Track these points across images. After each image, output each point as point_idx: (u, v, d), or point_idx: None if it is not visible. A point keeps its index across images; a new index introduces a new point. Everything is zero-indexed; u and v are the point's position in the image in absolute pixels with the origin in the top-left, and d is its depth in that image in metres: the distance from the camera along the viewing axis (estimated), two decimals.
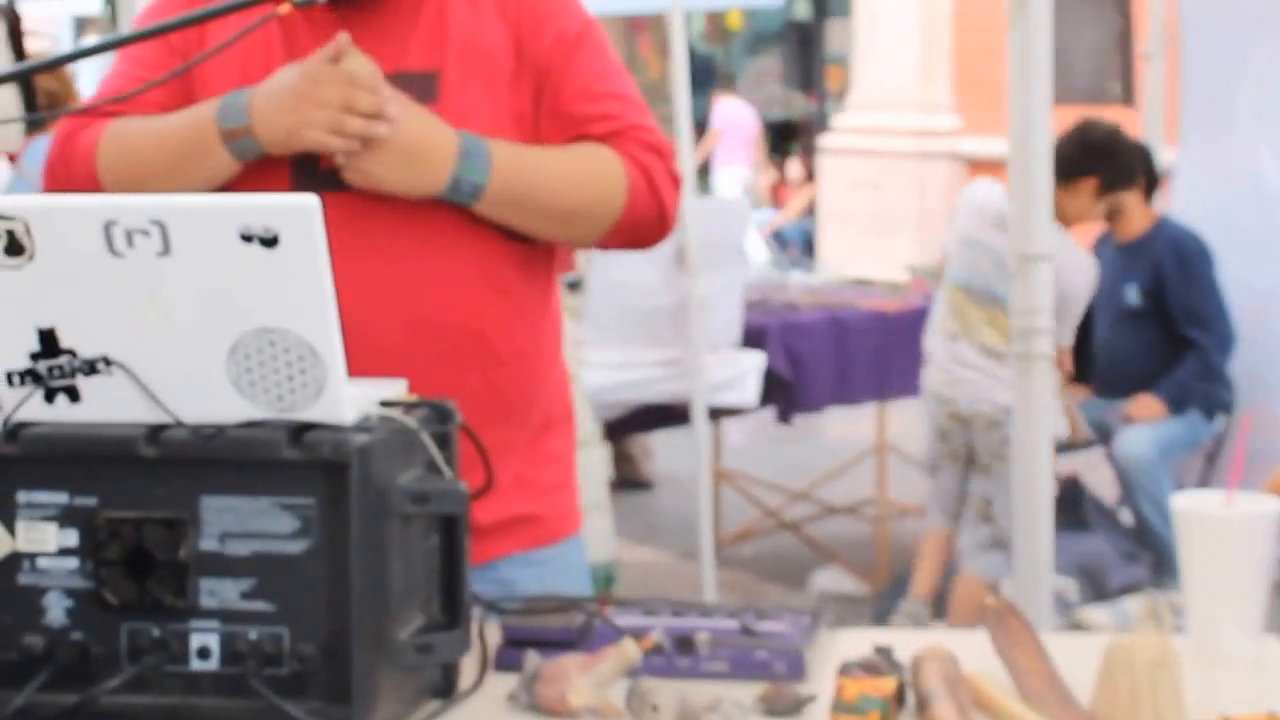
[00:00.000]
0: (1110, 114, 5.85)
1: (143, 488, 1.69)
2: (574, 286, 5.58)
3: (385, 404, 1.81)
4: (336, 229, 1.76)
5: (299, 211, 1.67)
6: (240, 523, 1.68)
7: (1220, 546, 1.93)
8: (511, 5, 2.21)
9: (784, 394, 6.00)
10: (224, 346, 1.72)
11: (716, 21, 16.28)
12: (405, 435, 1.77)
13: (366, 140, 2.07)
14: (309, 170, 2.14)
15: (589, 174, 2.20)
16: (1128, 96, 5.73)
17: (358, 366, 1.83)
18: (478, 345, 2.18)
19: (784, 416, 6.02)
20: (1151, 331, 5.47)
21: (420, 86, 2.15)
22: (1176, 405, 5.37)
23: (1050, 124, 3.07)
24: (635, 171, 2.21)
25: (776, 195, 14.40)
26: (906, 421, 7.44)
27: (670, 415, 5.96)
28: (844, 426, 7.95)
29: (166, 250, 1.68)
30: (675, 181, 2.25)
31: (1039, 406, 3.15)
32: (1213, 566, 1.92)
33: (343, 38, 2.09)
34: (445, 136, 2.11)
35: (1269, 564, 1.94)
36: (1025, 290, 3.10)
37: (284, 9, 2.05)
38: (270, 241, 1.67)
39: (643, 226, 2.25)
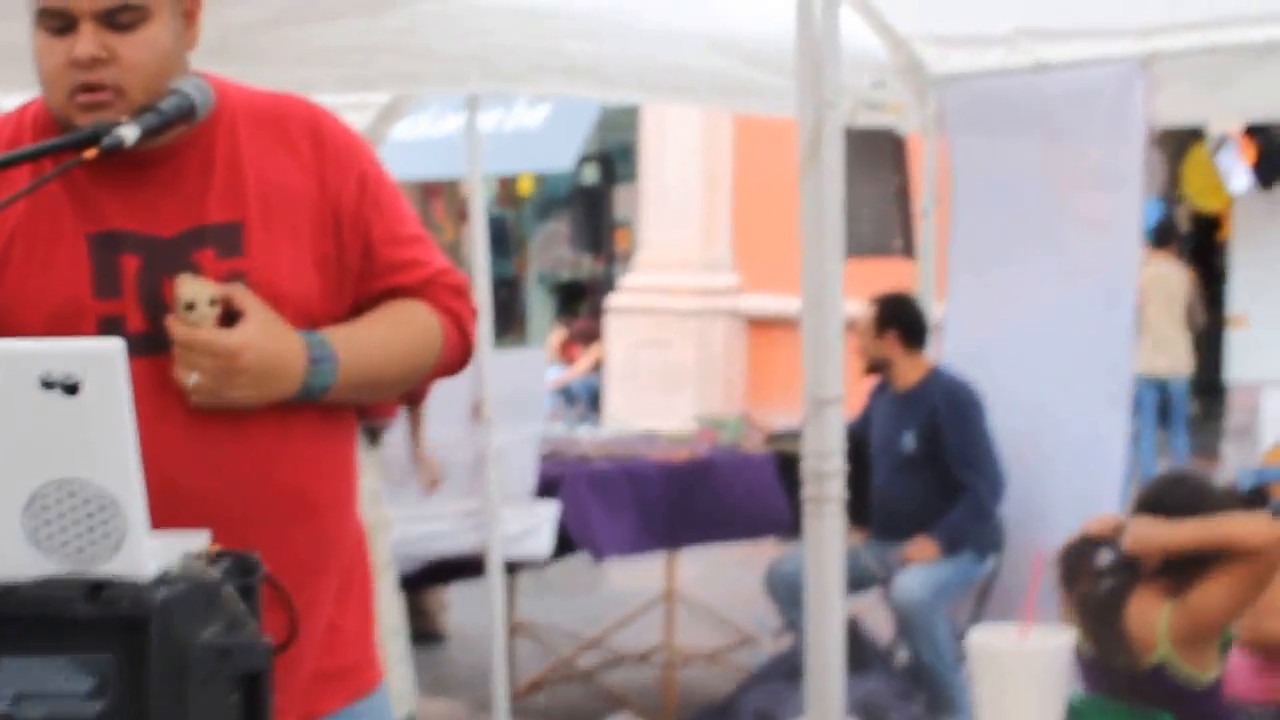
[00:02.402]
0: (893, 267, 5.99)
1: None
2: (374, 439, 5.47)
3: (188, 556, 1.72)
4: (147, 391, 1.68)
5: (102, 357, 1.59)
6: (35, 683, 1.57)
7: (1014, 680, 1.91)
8: (307, 149, 2.17)
9: (580, 539, 5.93)
10: (21, 498, 1.62)
11: (508, 186, 16.38)
12: (207, 589, 1.68)
13: (218, 374, 2.03)
14: (114, 333, 2.05)
15: (413, 340, 2.21)
16: (909, 250, 5.85)
17: (168, 527, 1.75)
18: (292, 498, 2.12)
19: (597, 556, 5.95)
20: (927, 476, 5.55)
21: (225, 239, 2.09)
22: (950, 547, 5.43)
23: (841, 274, 3.09)
24: (446, 320, 2.25)
25: (565, 353, 14.42)
26: (694, 569, 7.42)
27: (466, 568, 5.85)
28: (634, 575, 7.88)
29: None
30: (475, 314, 2.31)
31: (831, 549, 3.14)
32: (1006, 700, 1.90)
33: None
34: (295, 351, 2.08)
35: (1061, 696, 1.93)
36: (818, 433, 3.10)
37: (90, 154, 1.97)
38: (72, 388, 1.59)
39: (453, 366, 2.31)
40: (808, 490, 3.16)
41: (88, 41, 2.03)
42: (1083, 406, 5.32)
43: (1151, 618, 3.24)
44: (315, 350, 2.10)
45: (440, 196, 16.52)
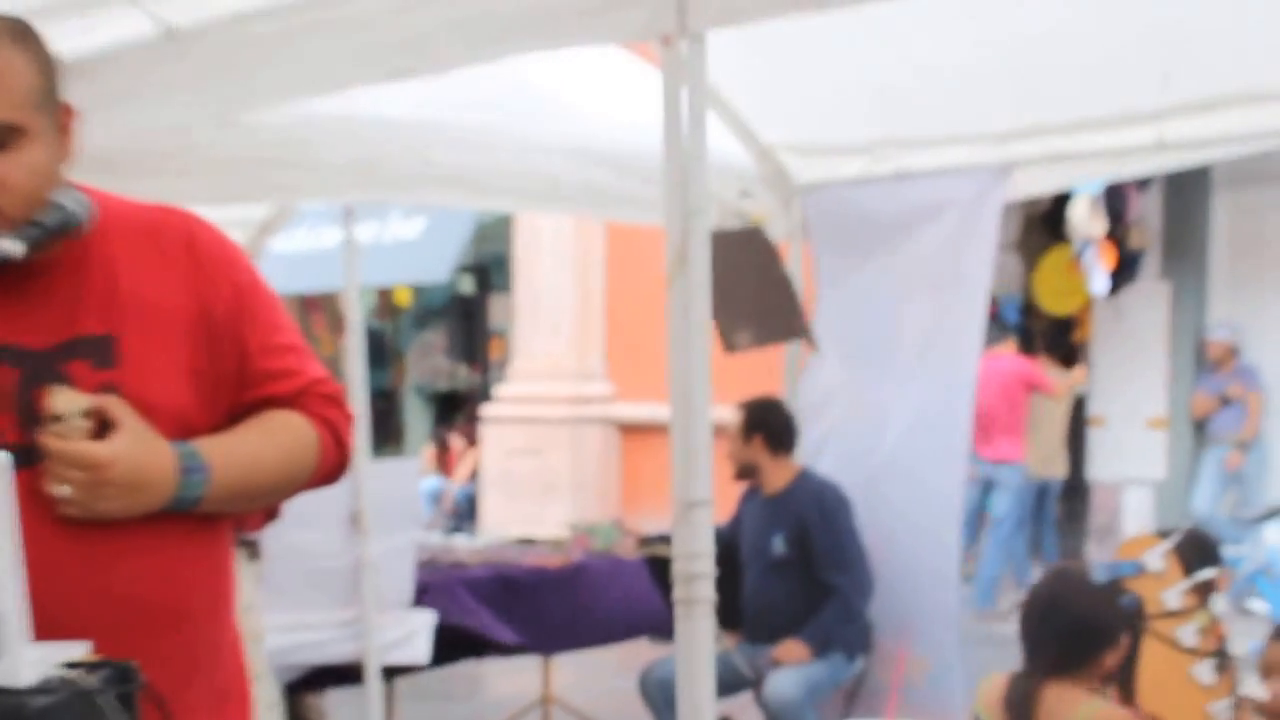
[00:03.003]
0: (763, 372, 6.02)
1: None
2: (252, 551, 5.43)
3: (67, 665, 1.72)
4: (23, 502, 1.68)
5: None
6: None
7: None
8: (183, 260, 2.17)
9: (455, 650, 5.90)
10: None
11: (387, 297, 16.36)
12: (86, 697, 1.68)
13: (88, 485, 2.02)
14: None
15: (288, 449, 2.21)
16: (807, 332, 5.89)
17: (43, 638, 1.74)
18: (168, 609, 2.11)
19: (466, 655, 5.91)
20: (797, 579, 5.57)
21: (98, 351, 2.09)
22: (820, 648, 5.46)
23: (708, 378, 3.13)
24: (322, 429, 2.25)
25: (440, 463, 14.37)
26: (570, 674, 7.39)
27: (345, 675, 5.79)
28: (511, 680, 7.84)
29: None
30: (351, 422, 2.31)
31: (700, 650, 3.16)
32: None
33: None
34: (165, 462, 2.08)
35: None
36: (688, 536, 3.13)
37: None
38: None
39: (329, 475, 2.31)
40: (678, 592, 3.18)
41: None
42: (922, 501, 5.41)
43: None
44: (186, 461, 2.10)
45: (320, 310, 16.45)
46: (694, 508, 3.11)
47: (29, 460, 2.02)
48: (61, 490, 2.02)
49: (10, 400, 2.05)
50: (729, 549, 5.34)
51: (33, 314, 2.08)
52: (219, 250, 2.22)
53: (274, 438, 2.21)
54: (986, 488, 10.27)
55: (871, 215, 5.65)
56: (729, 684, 5.28)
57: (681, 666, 3.17)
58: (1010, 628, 3.81)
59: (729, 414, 5.72)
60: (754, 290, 5.49)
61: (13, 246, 2.00)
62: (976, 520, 10.27)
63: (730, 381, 5.42)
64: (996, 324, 10.87)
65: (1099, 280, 10.39)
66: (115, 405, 2.06)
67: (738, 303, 5.19)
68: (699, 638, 3.14)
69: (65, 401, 2.05)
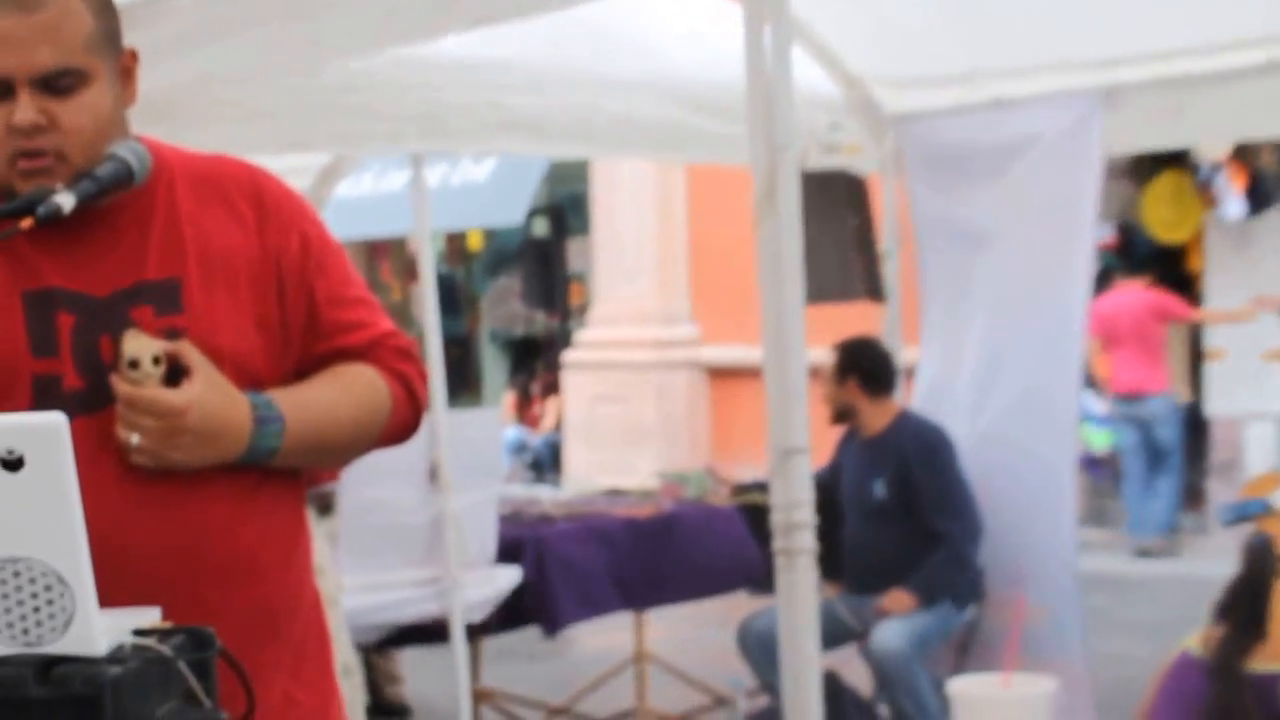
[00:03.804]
0: (861, 311, 6.02)
1: None
2: (326, 509, 5.46)
3: (139, 633, 1.72)
4: (84, 452, 1.68)
5: (45, 431, 1.59)
6: None
7: None
8: (248, 210, 2.19)
9: (542, 607, 5.92)
10: None
11: (457, 243, 16.40)
12: (161, 665, 1.68)
13: (161, 434, 2.03)
14: (51, 391, 2.06)
15: (361, 403, 2.22)
16: (874, 293, 5.87)
17: (112, 593, 1.74)
18: (240, 563, 2.11)
19: (548, 630, 5.93)
20: (900, 524, 5.55)
21: (162, 296, 2.11)
22: (928, 597, 5.43)
23: (802, 320, 3.11)
24: (395, 384, 2.26)
25: (520, 412, 14.42)
26: (664, 629, 7.40)
27: (427, 635, 5.83)
28: (602, 637, 7.86)
29: None
30: (425, 377, 2.32)
31: (803, 602, 3.15)
32: None
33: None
34: (240, 411, 2.09)
35: None
36: (786, 484, 3.11)
37: (26, 223, 1.98)
38: (14, 464, 1.59)
39: (404, 431, 2.31)
40: (777, 543, 3.17)
41: (26, 108, 2.04)
42: (1035, 442, 5.37)
43: None
44: (262, 411, 2.11)
45: (387, 256, 16.52)
46: (791, 455, 3.10)
47: (92, 406, 2.05)
48: (132, 438, 2.03)
49: (72, 346, 2.07)
50: (828, 495, 5.31)
51: (92, 262, 2.10)
52: (285, 200, 2.23)
53: (348, 391, 2.21)
54: (1136, 426, 10.19)
55: (968, 146, 5.62)
56: (832, 636, 5.27)
57: (784, 620, 3.17)
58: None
59: (824, 355, 5.69)
60: (822, 241, 5.47)
61: (64, 200, 2.01)
62: (1119, 461, 10.26)
63: (825, 321, 5.39)
64: (1126, 256, 10.76)
65: (1233, 205, 10.21)
66: (189, 351, 2.07)
67: (809, 252, 5.16)
68: (801, 590, 3.13)
69: (137, 346, 2.05)
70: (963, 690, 3.19)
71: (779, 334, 3.11)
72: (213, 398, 2.06)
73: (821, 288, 5.33)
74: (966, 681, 2.45)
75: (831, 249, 5.64)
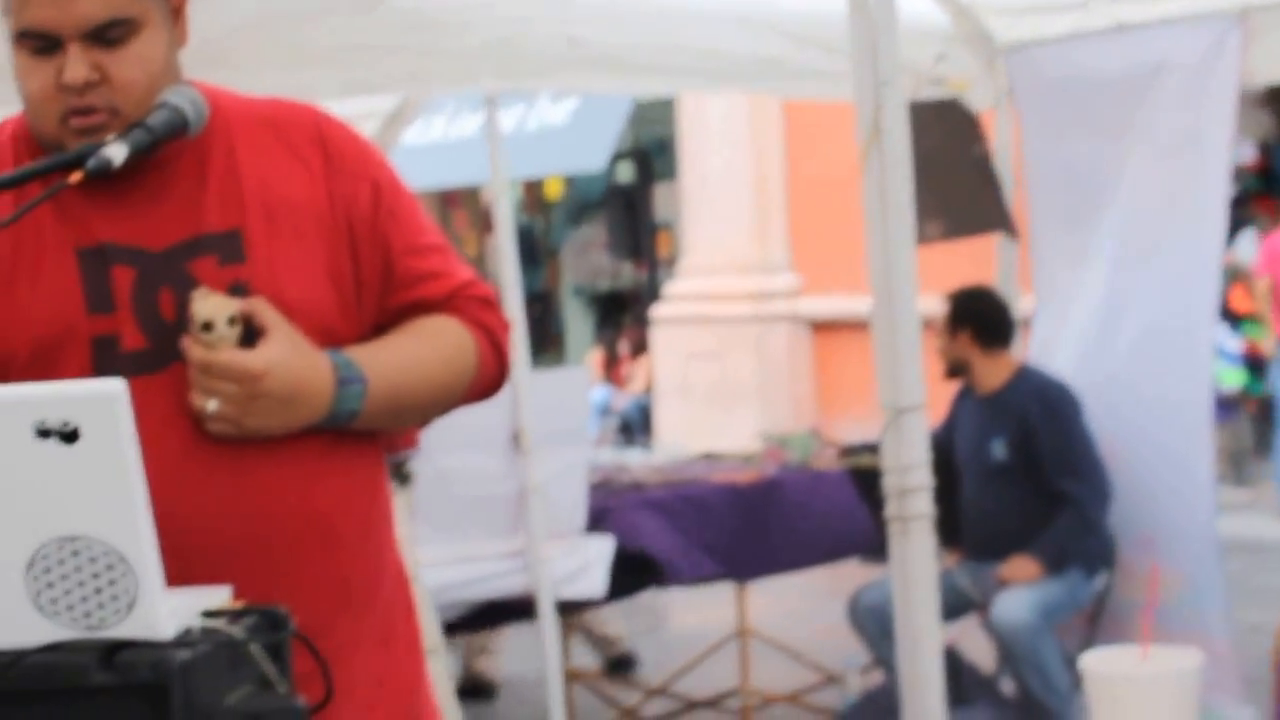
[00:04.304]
0: (973, 258, 5.96)
1: None
2: (403, 476, 5.48)
3: (208, 614, 1.73)
4: (146, 416, 1.69)
5: (102, 400, 1.59)
6: None
7: (1137, 708, 1.89)
8: (313, 156, 2.19)
9: (636, 580, 5.93)
10: (20, 560, 1.63)
11: (535, 190, 16.43)
12: (232, 648, 1.69)
13: (240, 399, 2.04)
14: (110, 351, 2.06)
15: (446, 358, 2.22)
16: (1006, 223, 5.78)
17: (179, 567, 1.75)
18: (315, 530, 2.12)
19: (664, 581, 5.93)
20: (1022, 487, 5.51)
21: (224, 247, 2.11)
22: (1054, 564, 5.39)
23: (913, 268, 3.08)
24: (479, 335, 2.26)
25: (608, 371, 14.44)
26: (768, 602, 7.40)
27: (513, 611, 5.85)
28: (700, 612, 7.88)
29: None
30: (508, 327, 2.33)
31: (920, 572, 3.13)
32: None
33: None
34: (322, 374, 2.10)
35: None
36: (899, 445, 3.09)
37: (75, 178, 1.99)
38: (70, 436, 1.60)
39: (490, 386, 2.31)
40: (891, 509, 3.15)
41: (77, 64, 2.04)
42: (1167, 395, 5.32)
43: None
44: (343, 371, 2.11)
45: (461, 206, 16.58)
46: (904, 414, 3.09)
47: (154, 365, 2.06)
48: (209, 405, 2.04)
49: (131, 303, 2.08)
50: (944, 455, 5.28)
51: (150, 213, 2.11)
52: (352, 145, 2.23)
53: (430, 345, 2.22)
54: None
55: (1088, 76, 5.55)
56: (951, 607, 5.22)
57: (899, 591, 3.15)
58: None
59: (936, 305, 5.65)
60: (948, 172, 5.41)
61: (115, 152, 2.02)
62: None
63: (937, 269, 5.35)
64: (1268, 178, 10.58)
65: None
66: (264, 309, 2.08)
67: (929, 186, 5.10)
68: (918, 559, 3.12)
69: (210, 306, 2.06)
70: (1097, 665, 3.14)
71: (887, 283, 3.08)
72: (292, 359, 2.07)
73: (957, 223, 5.28)
74: (1100, 655, 2.42)
75: (961, 179, 5.57)
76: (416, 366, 2.20)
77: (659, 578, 5.95)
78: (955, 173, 5.56)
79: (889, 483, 3.16)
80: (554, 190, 16.30)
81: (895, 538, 3.15)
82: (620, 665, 7.13)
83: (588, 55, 4.99)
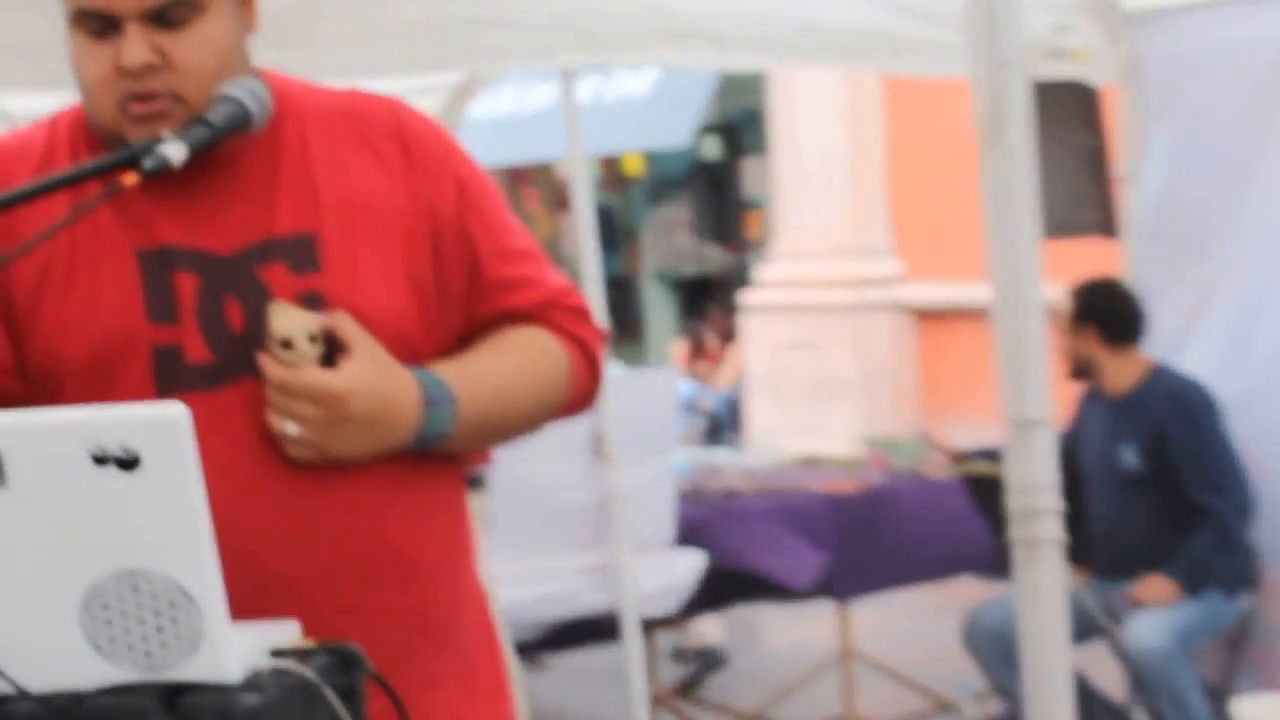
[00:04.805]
0: (1087, 248, 5.91)
1: None
2: (475, 484, 5.50)
3: (277, 653, 1.74)
4: (209, 435, 1.69)
5: (165, 425, 1.60)
6: None
7: None
8: (392, 152, 2.19)
9: (727, 591, 5.95)
10: (76, 595, 1.65)
11: (613, 167, 16.44)
12: (304, 690, 1.70)
13: (323, 423, 2.05)
14: (173, 364, 2.07)
15: (537, 375, 2.23)
16: (1107, 226, 5.76)
17: (244, 600, 1.77)
18: (392, 559, 2.12)
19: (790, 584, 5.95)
20: (1156, 499, 5.48)
21: (296, 252, 2.11)
22: (1192, 585, 5.35)
23: (1039, 267, 3.06)
24: (572, 348, 2.26)
25: (691, 364, 14.43)
26: (873, 622, 7.38)
27: (595, 630, 5.87)
28: (799, 631, 7.87)
29: (0, 481, 1.62)
30: (602, 339, 2.32)
31: (1047, 599, 3.11)
32: None
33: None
34: (409, 394, 2.10)
35: None
36: (1024, 462, 3.07)
37: (130, 180, 1.99)
38: (129, 463, 1.61)
39: (582, 404, 2.33)
40: (1016, 531, 3.13)
41: (136, 46, 2.05)
42: None
43: None
44: (431, 391, 2.12)
45: (532, 183, 16.63)
46: (1030, 427, 3.07)
47: (218, 380, 2.07)
48: (288, 428, 2.05)
49: (195, 311, 2.08)
50: (1069, 463, 5.22)
51: (217, 213, 2.11)
52: (434, 139, 2.23)
53: (521, 360, 2.22)
54: None
55: (1223, 48, 5.47)
56: (1078, 630, 5.17)
57: (1025, 622, 3.14)
58: None
59: (1059, 295, 5.61)
60: (1051, 162, 5.37)
61: (174, 152, 2.02)
62: None
63: (1060, 257, 5.29)
64: None
65: None
66: (346, 324, 2.08)
67: (1047, 177, 5.08)
68: (1045, 585, 3.10)
69: (290, 321, 2.06)
70: (1251, 712, 3.13)
71: (1010, 284, 3.07)
72: (377, 379, 2.07)
73: (1052, 219, 5.25)
74: (1257, 703, 2.38)
75: (1059, 174, 5.53)
76: (507, 384, 2.20)
77: (752, 591, 5.96)
78: (1059, 163, 5.53)
79: (1013, 504, 3.14)
80: (634, 166, 16.30)
81: (1021, 564, 3.13)
82: (709, 666, 7.12)
83: (676, 27, 4.98)
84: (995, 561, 5.36)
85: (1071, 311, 5.65)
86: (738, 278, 14.63)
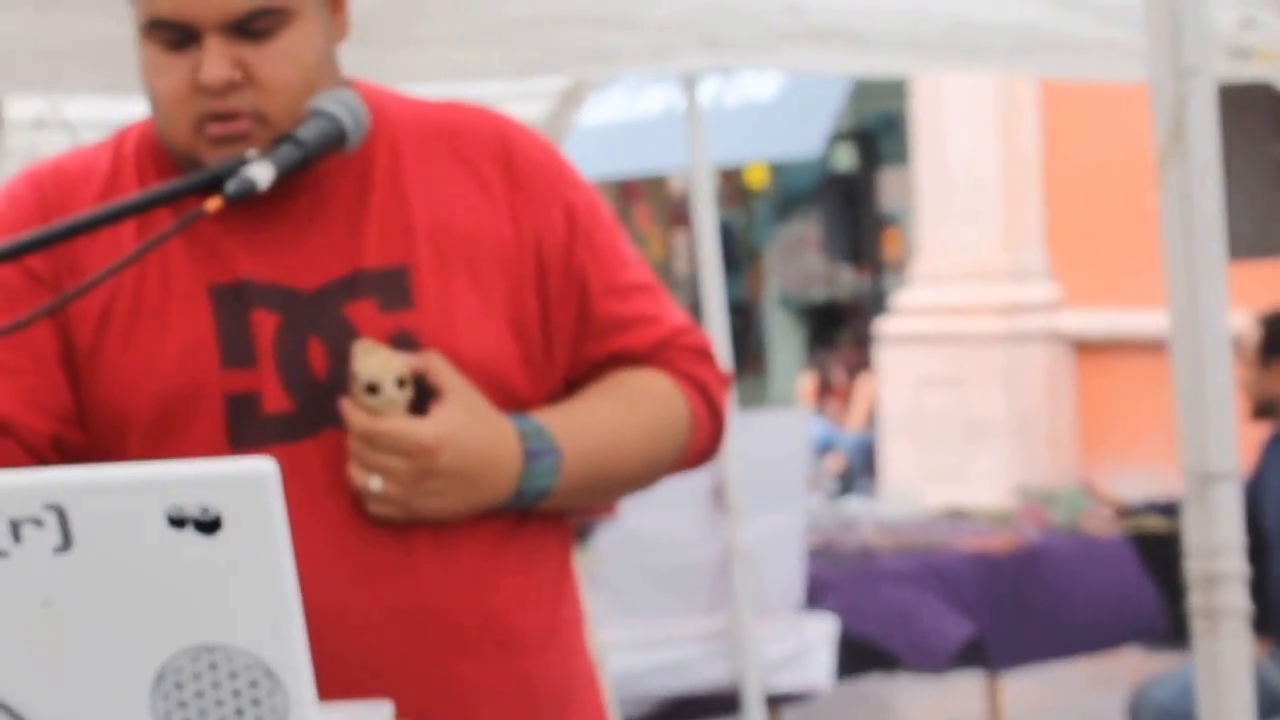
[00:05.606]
0: (1277, 271, 5.87)
1: None
2: (579, 537, 5.51)
3: None
4: (291, 493, 1.70)
5: (250, 483, 1.61)
6: None
7: None
8: (496, 176, 2.20)
9: (860, 662, 5.93)
10: (147, 673, 1.65)
11: (734, 180, 16.48)
12: None
13: (410, 477, 2.06)
14: (249, 413, 2.08)
15: (652, 424, 2.23)
16: None
17: (331, 677, 1.77)
18: (494, 631, 2.13)
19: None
20: None
21: (387, 287, 2.12)
22: None
23: (1225, 298, 3.04)
24: (692, 394, 2.26)
25: (820, 400, 14.43)
26: (1027, 695, 7.34)
27: (714, 705, 5.87)
28: (942, 704, 7.85)
29: (66, 544, 1.62)
30: (725, 382, 2.31)
31: (1230, 676, 3.08)
32: None
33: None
34: (508, 445, 2.11)
35: None
36: (1205, 521, 3.04)
37: (213, 205, 2.00)
38: (210, 525, 1.61)
39: (704, 455, 2.33)
40: (1196, 599, 3.10)
41: (217, 60, 2.05)
42: None
43: None
44: (532, 442, 2.12)
45: (643, 198, 16.70)
46: (1212, 482, 3.04)
47: (300, 432, 2.08)
48: (372, 483, 2.06)
49: (274, 354, 2.09)
50: (1251, 517, 5.20)
51: (296, 246, 2.12)
52: (544, 161, 2.23)
53: (635, 407, 2.22)
54: None
55: None
56: (1262, 707, 5.14)
57: (1204, 696, 3.12)
58: None
59: (1243, 324, 5.57)
60: (1238, 176, 5.33)
61: (260, 173, 2.02)
62: None
63: (1246, 281, 5.26)
64: None
65: None
66: (439, 366, 2.09)
67: (1231, 192, 5.06)
68: (1228, 659, 3.06)
69: (375, 364, 2.07)
70: None
71: (1193, 312, 3.04)
72: (473, 428, 2.08)
73: (1241, 240, 5.22)
74: None
75: (1245, 188, 5.50)
76: (618, 434, 2.20)
77: (890, 662, 5.94)
78: (1244, 177, 5.49)
79: (1192, 568, 3.11)
80: (757, 179, 16.35)
81: (1201, 636, 3.09)
82: None
83: (810, 27, 4.98)
84: (1166, 631, 5.35)
85: (1259, 343, 5.63)
86: (873, 304, 14.63)
